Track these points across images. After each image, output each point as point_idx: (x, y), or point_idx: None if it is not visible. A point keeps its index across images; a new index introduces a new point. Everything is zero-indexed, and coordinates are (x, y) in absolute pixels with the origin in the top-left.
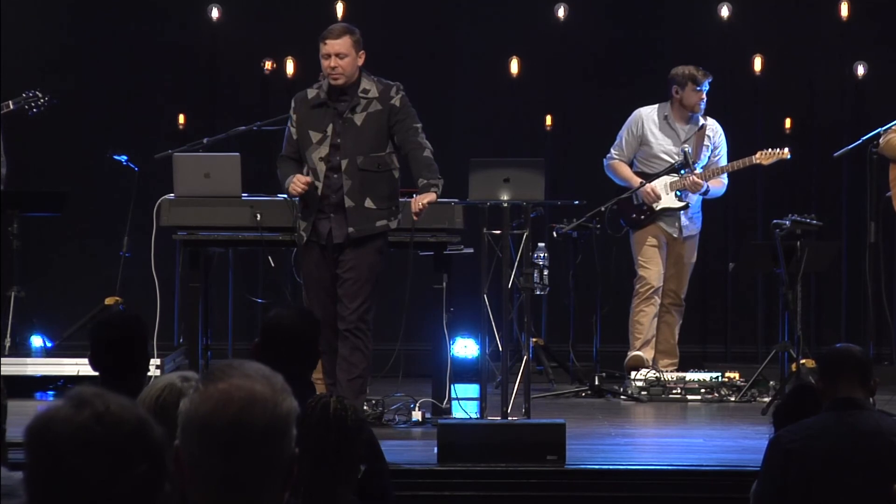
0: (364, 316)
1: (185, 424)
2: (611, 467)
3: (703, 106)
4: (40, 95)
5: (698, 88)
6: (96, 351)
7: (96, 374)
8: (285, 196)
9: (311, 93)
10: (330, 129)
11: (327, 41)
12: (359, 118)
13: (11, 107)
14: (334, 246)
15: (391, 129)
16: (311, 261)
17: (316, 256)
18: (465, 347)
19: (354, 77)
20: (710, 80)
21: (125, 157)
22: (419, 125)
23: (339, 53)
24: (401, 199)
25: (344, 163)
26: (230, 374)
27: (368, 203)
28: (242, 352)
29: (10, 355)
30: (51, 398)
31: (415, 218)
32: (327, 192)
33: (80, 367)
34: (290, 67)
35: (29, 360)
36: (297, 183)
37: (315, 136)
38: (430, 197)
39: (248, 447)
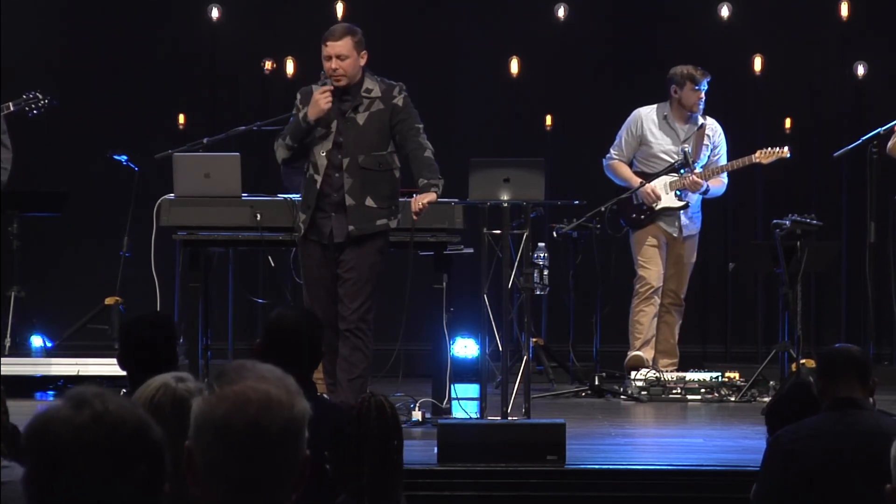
0: (365, 316)
1: (200, 426)
2: (611, 467)
3: (701, 105)
4: (41, 97)
5: (696, 88)
6: (125, 351)
7: (124, 373)
8: (285, 196)
9: (316, 89)
10: (333, 126)
11: (328, 43)
12: (361, 117)
13: (12, 108)
14: (335, 245)
15: (393, 129)
16: (311, 260)
17: (317, 256)
18: (465, 347)
19: (356, 78)
20: (708, 80)
21: (125, 157)
22: (421, 126)
23: (340, 55)
24: (401, 199)
25: (345, 161)
26: (244, 376)
27: (369, 202)
28: (242, 352)
29: (10, 355)
30: (51, 398)
31: (414, 217)
32: (328, 189)
33: (80, 367)
34: (290, 67)
35: (29, 360)
36: (319, 97)
37: (319, 132)
38: (431, 197)
39: (265, 449)
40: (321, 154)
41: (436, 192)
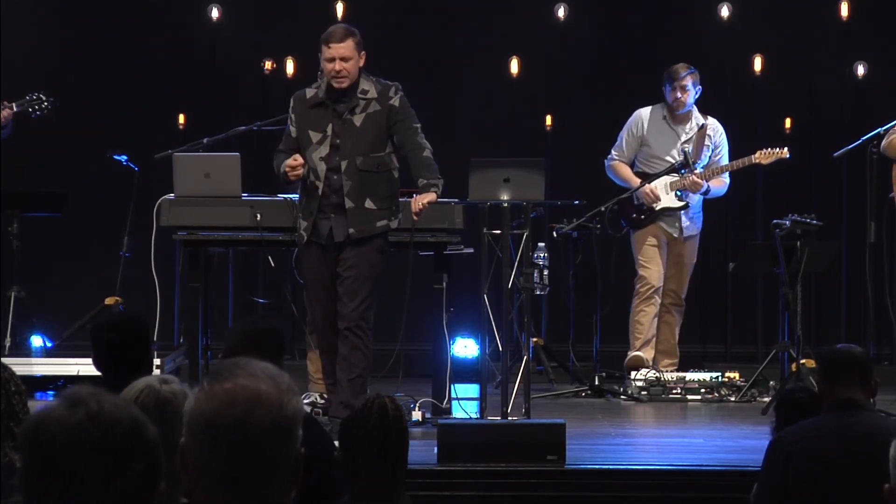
0: (364, 315)
1: (190, 423)
2: (611, 467)
3: (689, 101)
4: (44, 98)
5: (675, 83)
6: (98, 352)
7: (99, 374)
8: (285, 196)
9: (310, 92)
10: (329, 129)
11: (331, 45)
12: (358, 119)
13: (15, 109)
14: (335, 245)
15: (390, 130)
16: (310, 261)
17: (316, 256)
18: (465, 347)
19: (355, 79)
20: (690, 73)
21: (125, 157)
22: (418, 125)
23: (344, 57)
24: (401, 200)
25: (343, 164)
26: (236, 374)
27: (369, 204)
28: None
29: (10, 355)
30: (51, 398)
31: (415, 218)
32: (328, 192)
33: (80, 367)
34: (290, 67)
35: (29, 360)
36: (289, 171)
37: (315, 136)
38: (430, 197)
39: (252, 447)
40: (318, 160)
41: (436, 192)
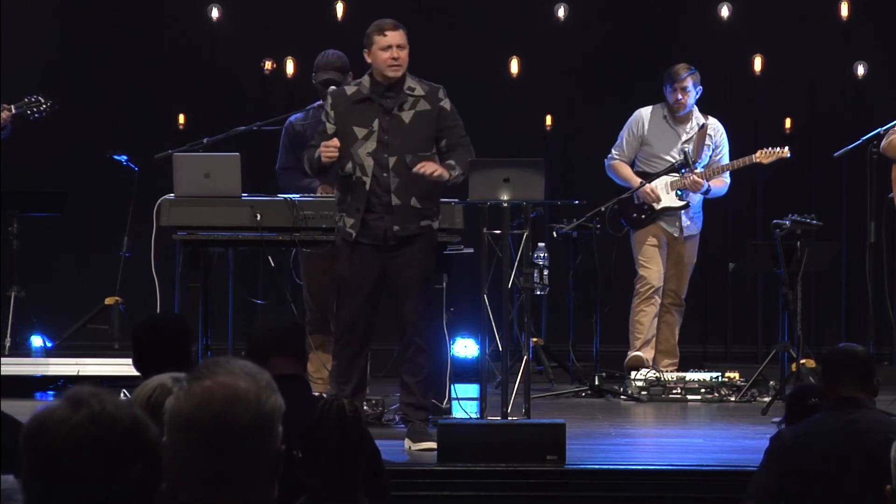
0: (429, 320)
1: (170, 422)
2: (611, 467)
3: (689, 102)
4: (42, 101)
5: (676, 84)
6: (138, 353)
7: (138, 374)
8: (285, 196)
9: (350, 89)
10: (376, 124)
11: (387, 32)
12: (407, 116)
13: (14, 111)
14: (389, 246)
15: (439, 133)
16: (356, 261)
17: (363, 257)
18: (465, 347)
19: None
20: (691, 73)
21: (125, 157)
22: (467, 137)
23: (400, 45)
24: (441, 200)
25: (392, 160)
26: (215, 372)
27: (414, 202)
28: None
29: (10, 355)
30: (51, 398)
31: (417, 167)
32: (378, 189)
33: (80, 367)
34: (290, 67)
35: (29, 360)
36: (324, 150)
37: (360, 132)
38: (443, 171)
39: (232, 444)
40: (365, 155)
41: (451, 174)
